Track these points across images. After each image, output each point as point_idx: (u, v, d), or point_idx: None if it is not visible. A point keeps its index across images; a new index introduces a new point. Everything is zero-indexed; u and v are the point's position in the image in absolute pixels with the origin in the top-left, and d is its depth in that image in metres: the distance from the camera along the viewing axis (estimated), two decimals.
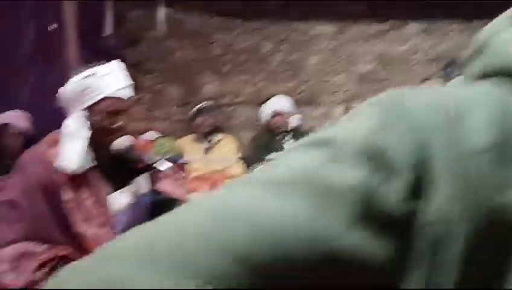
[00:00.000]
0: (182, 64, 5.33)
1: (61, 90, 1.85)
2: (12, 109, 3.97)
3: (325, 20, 5.72)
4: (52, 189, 1.73)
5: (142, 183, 1.92)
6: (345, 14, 5.73)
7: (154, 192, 1.89)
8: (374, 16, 5.80)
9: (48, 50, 4.05)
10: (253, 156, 4.30)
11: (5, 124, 3.97)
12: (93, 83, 1.79)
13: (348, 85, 5.79)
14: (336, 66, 5.79)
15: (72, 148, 1.75)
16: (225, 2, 5.33)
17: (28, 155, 1.82)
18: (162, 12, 5.16)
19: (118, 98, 1.82)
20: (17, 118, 3.96)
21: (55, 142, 1.80)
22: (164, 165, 1.82)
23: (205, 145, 4.62)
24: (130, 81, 1.87)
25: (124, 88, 1.83)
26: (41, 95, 3.21)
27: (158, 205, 1.86)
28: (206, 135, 4.63)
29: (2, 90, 4.07)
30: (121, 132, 1.82)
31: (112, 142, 1.82)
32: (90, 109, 1.80)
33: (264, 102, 4.74)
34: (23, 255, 1.66)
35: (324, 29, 5.75)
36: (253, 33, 5.54)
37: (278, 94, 4.90)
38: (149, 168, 1.84)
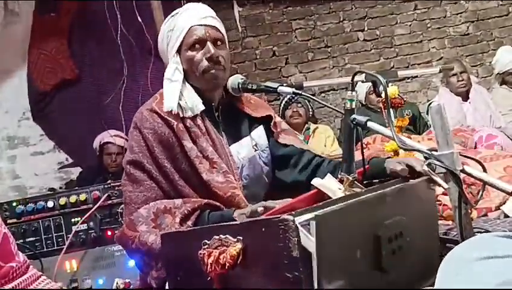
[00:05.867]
0: (265, 59, 5.24)
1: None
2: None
3: None
4: (169, 141, 1.70)
5: (260, 136, 1.86)
6: None
7: (278, 144, 1.84)
8: None
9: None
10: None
11: (104, 144, 4.07)
12: (176, 21, 1.77)
13: (442, 51, 5.41)
14: (426, 33, 5.42)
15: (169, 91, 1.73)
16: None
17: (139, 113, 1.78)
18: (236, 12, 5.12)
19: (201, 25, 1.74)
20: (113, 137, 4.04)
21: (163, 96, 1.78)
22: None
23: (300, 137, 4.46)
24: (212, 13, 1.80)
25: (205, 17, 1.77)
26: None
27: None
28: (298, 126, 4.48)
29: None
30: (215, 63, 1.72)
31: (213, 81, 1.73)
32: (180, 49, 1.76)
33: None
34: (159, 214, 1.62)
35: None
36: (333, 15, 5.33)
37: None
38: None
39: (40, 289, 1.28)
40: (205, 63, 1.72)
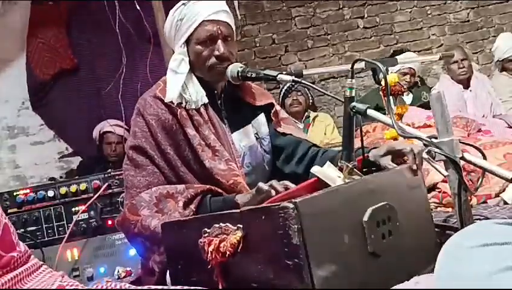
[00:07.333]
0: (264, 47, 5.22)
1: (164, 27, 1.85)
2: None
3: None
4: (172, 127, 1.70)
5: (261, 124, 1.87)
6: None
7: (276, 133, 1.85)
8: None
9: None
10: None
11: (104, 133, 4.07)
12: (187, 12, 1.74)
13: (442, 38, 5.38)
14: (426, 20, 5.39)
15: (172, 82, 1.73)
16: None
17: (142, 100, 1.78)
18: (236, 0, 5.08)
19: (214, 21, 1.72)
20: (113, 126, 4.04)
21: (166, 83, 1.77)
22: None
23: (300, 125, 4.46)
24: (225, 7, 1.78)
25: (218, 12, 1.75)
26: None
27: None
28: (298, 114, 4.47)
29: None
30: (223, 61, 1.72)
31: (219, 76, 1.74)
32: (189, 40, 1.75)
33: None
34: (161, 198, 1.62)
35: None
36: (332, 2, 5.29)
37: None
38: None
39: None
40: (213, 60, 1.72)
